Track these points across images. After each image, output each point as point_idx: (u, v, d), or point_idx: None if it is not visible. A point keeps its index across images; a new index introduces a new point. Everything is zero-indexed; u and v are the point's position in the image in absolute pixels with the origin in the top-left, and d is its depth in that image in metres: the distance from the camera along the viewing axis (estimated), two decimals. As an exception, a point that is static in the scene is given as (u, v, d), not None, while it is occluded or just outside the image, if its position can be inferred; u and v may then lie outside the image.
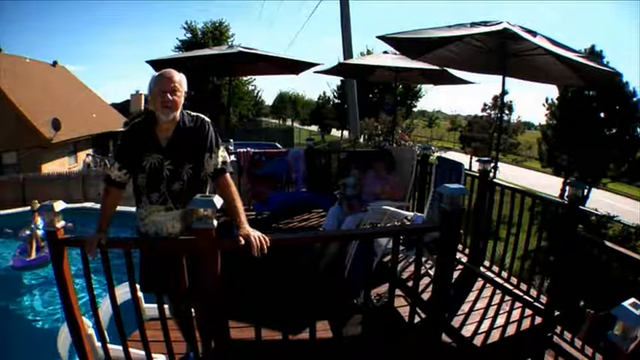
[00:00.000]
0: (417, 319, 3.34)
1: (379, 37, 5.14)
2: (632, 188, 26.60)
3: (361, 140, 22.53)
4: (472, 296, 4.17)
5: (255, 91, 39.53)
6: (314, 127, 51.06)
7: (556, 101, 23.53)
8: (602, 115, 21.83)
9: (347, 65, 9.93)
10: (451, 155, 8.89)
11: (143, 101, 35.30)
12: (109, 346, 2.93)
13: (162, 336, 2.81)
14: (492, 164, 4.90)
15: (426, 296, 3.95)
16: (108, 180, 2.85)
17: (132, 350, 2.91)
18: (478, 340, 3.47)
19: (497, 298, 4.13)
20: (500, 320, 3.75)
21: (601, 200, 21.04)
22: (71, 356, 3.54)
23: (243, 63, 8.04)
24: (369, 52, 30.93)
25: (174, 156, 2.78)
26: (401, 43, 5.54)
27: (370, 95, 34.91)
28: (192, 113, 2.90)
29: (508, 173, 20.70)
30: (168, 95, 2.69)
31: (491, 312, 3.88)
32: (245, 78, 32.87)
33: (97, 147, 27.63)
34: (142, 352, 2.87)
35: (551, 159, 23.98)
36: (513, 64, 5.25)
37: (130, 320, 2.90)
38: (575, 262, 4.06)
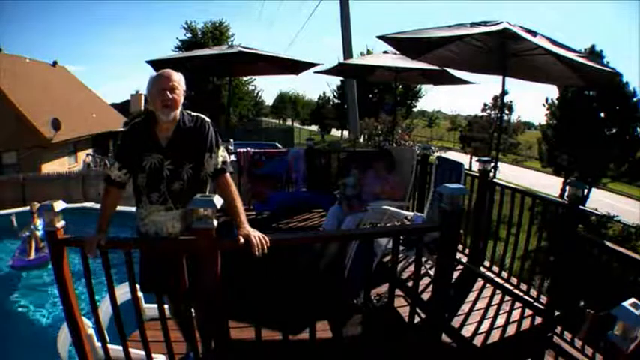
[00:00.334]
0: (417, 319, 3.34)
1: (379, 37, 5.14)
2: (632, 188, 26.61)
3: (361, 140, 22.53)
4: (472, 296, 4.17)
5: (255, 91, 39.57)
6: (314, 127, 51.05)
7: (556, 101, 23.54)
8: (602, 115, 21.84)
9: (347, 65, 9.93)
10: (451, 155, 8.89)
11: (143, 101, 35.29)
12: (109, 346, 2.93)
13: (162, 336, 2.81)
14: (492, 164, 4.90)
15: (426, 296, 3.95)
16: (108, 180, 2.85)
17: (132, 350, 2.91)
18: (478, 340, 3.47)
19: (497, 298, 4.13)
20: (500, 320, 3.75)
21: (601, 200, 21.05)
22: (71, 356, 3.54)
23: (243, 63, 8.04)
24: (369, 52, 30.95)
25: (174, 156, 2.77)
26: (401, 43, 5.54)
27: (370, 95, 34.93)
28: (193, 113, 2.90)
29: (508, 173, 20.70)
30: (168, 93, 2.69)
31: (491, 312, 3.88)
32: (245, 78, 32.87)
33: (97, 147, 27.65)
34: (142, 352, 2.87)
35: (551, 159, 23.98)
36: (513, 64, 5.25)
37: (129, 320, 2.90)
38: (575, 262, 4.06)
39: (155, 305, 2.87)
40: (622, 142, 20.97)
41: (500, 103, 21.41)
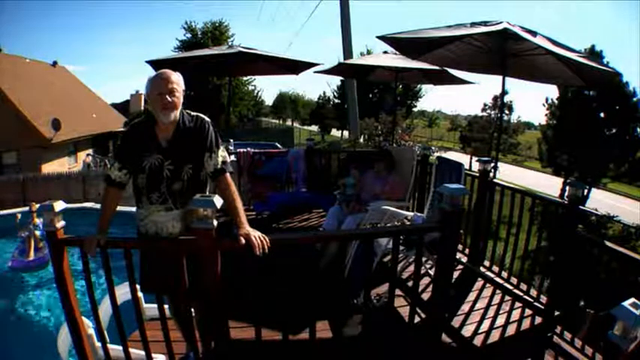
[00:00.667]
0: (417, 319, 3.34)
1: (379, 37, 5.14)
2: (632, 188, 26.63)
3: (361, 140, 22.55)
4: (472, 296, 4.17)
5: (255, 91, 39.60)
6: (314, 127, 51.05)
7: (556, 101, 23.53)
8: (602, 115, 21.82)
9: (347, 65, 9.93)
10: (451, 155, 8.88)
11: (143, 101, 35.29)
12: (109, 346, 2.93)
13: (162, 336, 2.81)
14: (492, 164, 4.90)
15: (426, 296, 3.95)
16: (108, 180, 2.84)
17: (132, 350, 2.91)
18: (478, 340, 3.47)
19: (497, 298, 4.14)
20: (500, 320, 3.75)
21: (601, 200, 21.04)
22: (71, 356, 3.55)
23: (243, 63, 8.04)
24: (369, 52, 30.98)
25: (174, 156, 2.77)
26: (401, 43, 5.54)
27: (370, 95, 34.97)
28: (192, 113, 2.89)
29: (508, 173, 20.71)
30: (167, 97, 2.68)
31: (491, 312, 3.88)
32: (245, 78, 32.92)
33: (97, 147, 27.66)
34: (142, 352, 2.87)
35: (551, 159, 23.98)
36: (513, 64, 5.25)
37: (130, 320, 2.90)
38: (575, 262, 4.06)
39: (155, 305, 2.87)
40: (622, 142, 20.96)
41: (500, 103, 21.42)
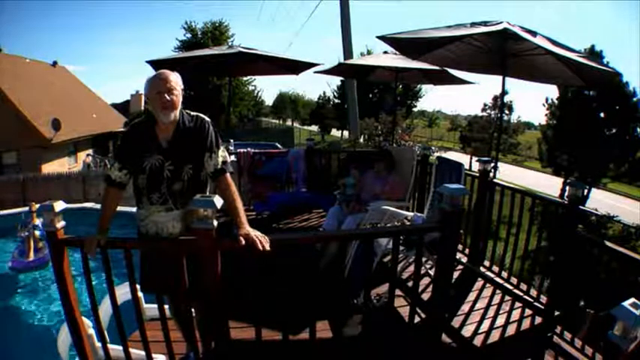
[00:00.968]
0: (417, 319, 3.34)
1: (379, 38, 5.14)
2: (632, 188, 26.63)
3: (361, 140, 22.55)
4: (472, 296, 4.17)
5: (255, 92, 39.60)
6: (314, 127, 51.05)
7: (556, 101, 23.53)
8: (602, 115, 21.83)
9: (347, 65, 9.93)
10: (451, 155, 8.87)
11: (143, 101, 35.29)
12: (109, 346, 2.93)
13: (162, 336, 2.81)
14: (492, 164, 4.90)
15: (426, 296, 3.95)
16: (108, 180, 2.85)
17: (132, 350, 2.91)
18: (478, 340, 3.47)
19: (497, 298, 4.14)
20: (501, 320, 3.76)
21: (601, 200, 21.04)
22: (71, 356, 3.55)
23: (243, 63, 8.04)
24: (369, 52, 30.98)
25: (174, 156, 2.77)
26: (401, 44, 5.54)
27: (370, 95, 34.97)
28: (192, 113, 2.89)
29: (508, 173, 20.71)
30: (166, 96, 2.68)
31: (491, 312, 3.88)
32: (245, 78, 32.92)
33: (97, 147, 27.66)
34: (143, 352, 2.87)
35: (551, 159, 23.97)
36: (513, 64, 5.25)
37: (130, 320, 2.90)
38: (575, 262, 4.06)
39: (155, 305, 2.87)
40: (622, 142, 20.96)
41: (500, 103, 21.42)
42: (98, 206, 3.87)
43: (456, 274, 4.55)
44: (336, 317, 3.81)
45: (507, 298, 4.15)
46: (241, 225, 2.61)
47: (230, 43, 20.21)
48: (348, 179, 5.49)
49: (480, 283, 4.45)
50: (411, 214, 4.86)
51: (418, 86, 33.96)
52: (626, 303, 1.87)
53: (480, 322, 3.70)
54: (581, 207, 3.80)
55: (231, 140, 7.38)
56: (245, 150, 6.90)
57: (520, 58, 5.18)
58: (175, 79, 2.77)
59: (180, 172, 2.78)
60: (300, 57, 8.10)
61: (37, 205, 9.61)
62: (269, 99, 68.63)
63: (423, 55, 5.82)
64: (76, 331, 2.75)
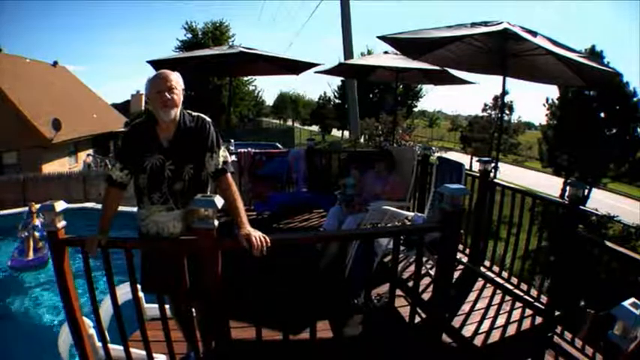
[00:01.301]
0: (417, 319, 3.35)
1: (379, 38, 5.15)
2: (632, 188, 26.63)
3: (362, 140, 22.54)
4: (472, 296, 4.17)
5: (256, 92, 39.59)
6: (315, 128, 51.05)
7: (556, 101, 23.54)
8: (602, 115, 21.84)
9: (347, 65, 9.93)
10: (452, 155, 8.87)
11: (143, 101, 35.29)
12: (110, 346, 2.94)
13: (163, 336, 2.81)
14: (493, 164, 4.91)
15: (426, 296, 3.96)
16: (109, 180, 2.85)
17: (133, 350, 2.91)
18: (478, 340, 3.47)
19: (497, 298, 4.14)
20: (501, 320, 3.76)
21: (601, 200, 21.03)
22: (72, 356, 3.55)
23: (243, 63, 8.05)
24: (369, 52, 30.96)
25: (175, 156, 2.78)
26: (401, 44, 5.54)
27: (371, 95, 34.97)
28: (193, 113, 2.90)
29: (509, 173, 20.71)
30: (167, 94, 2.69)
31: (491, 312, 3.88)
32: (246, 78, 32.90)
33: (98, 147, 27.66)
34: (143, 352, 2.88)
35: (551, 159, 23.98)
36: (514, 65, 5.25)
37: (131, 320, 2.91)
38: (576, 262, 4.06)
39: (156, 305, 2.87)
40: (622, 142, 20.97)
41: (501, 104, 21.44)
42: (99, 206, 3.88)
43: (456, 274, 4.55)
44: (336, 317, 3.81)
45: (508, 298, 4.15)
46: (242, 225, 2.61)
47: (231, 43, 20.21)
48: (348, 179, 5.49)
49: (480, 283, 4.46)
50: (412, 214, 4.86)
51: (419, 86, 33.96)
52: (626, 303, 1.87)
53: (481, 322, 3.70)
54: (581, 207, 3.80)
55: (232, 140, 7.38)
56: (246, 150, 6.91)
57: (520, 58, 5.18)
58: (176, 79, 2.78)
59: (181, 171, 2.79)
60: (300, 57, 8.10)
61: (37, 206, 9.65)
62: (269, 99, 68.72)
63: (424, 55, 5.82)
64: (77, 330, 2.75)
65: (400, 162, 5.54)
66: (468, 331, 3.57)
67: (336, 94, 40.51)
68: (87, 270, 2.68)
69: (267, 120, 60.55)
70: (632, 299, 1.90)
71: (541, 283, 5.32)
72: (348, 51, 23.96)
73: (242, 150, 6.89)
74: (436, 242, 3.38)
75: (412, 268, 4.21)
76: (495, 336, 3.55)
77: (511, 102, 30.93)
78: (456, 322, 3.70)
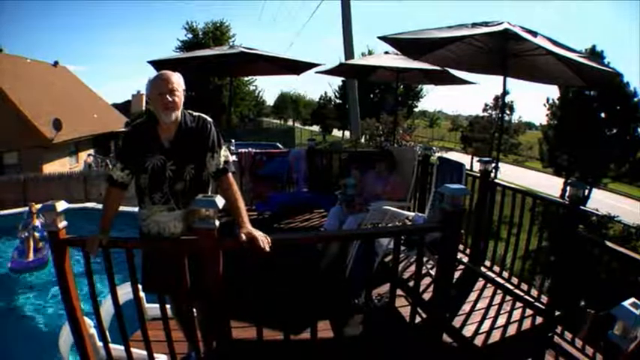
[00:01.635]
0: (418, 319, 3.35)
1: (380, 38, 5.15)
2: (632, 188, 26.62)
3: (362, 140, 22.55)
4: (473, 296, 4.17)
5: (257, 92, 39.60)
6: (315, 128, 51.04)
7: (557, 101, 23.55)
8: (602, 115, 21.86)
9: (348, 65, 9.93)
10: (452, 155, 8.88)
11: (144, 102, 35.30)
12: (111, 345, 2.94)
13: (164, 336, 2.82)
14: (493, 164, 4.91)
15: (427, 296, 3.96)
16: (110, 181, 2.85)
17: (134, 350, 2.92)
18: (479, 340, 3.47)
19: (498, 298, 4.14)
20: (501, 320, 3.76)
21: (602, 200, 21.02)
22: (72, 356, 3.56)
23: (244, 63, 8.05)
24: (370, 53, 30.96)
25: (176, 156, 2.78)
26: (402, 44, 5.54)
27: (371, 95, 34.96)
28: (194, 113, 2.90)
29: (509, 173, 20.71)
30: (168, 97, 2.70)
31: (492, 312, 3.88)
32: (246, 78, 32.91)
33: (98, 147, 27.67)
34: (144, 352, 2.88)
35: (552, 159, 23.99)
36: (514, 65, 5.25)
37: (131, 320, 2.91)
38: (576, 262, 4.06)
39: (157, 305, 2.88)
40: (623, 143, 20.98)
41: (501, 104, 21.44)
42: (99, 206, 3.87)
43: (457, 274, 4.55)
44: (337, 317, 3.81)
45: (508, 298, 4.15)
46: (243, 225, 2.62)
47: (231, 43, 20.21)
48: (349, 179, 5.49)
49: (480, 283, 4.46)
50: (412, 214, 4.86)
51: (419, 86, 33.97)
52: (626, 303, 1.87)
53: (481, 322, 3.70)
54: (581, 207, 3.80)
55: (233, 140, 7.38)
56: (246, 150, 6.91)
57: (521, 58, 5.18)
58: (177, 80, 2.78)
59: (182, 172, 2.79)
60: (301, 57, 8.10)
61: (38, 206, 9.65)
62: (270, 99, 68.60)
63: (424, 56, 5.82)
64: (78, 330, 2.76)
65: (401, 162, 5.54)
66: (468, 331, 3.58)
67: (336, 94, 40.52)
68: (88, 270, 2.68)
69: (267, 120, 60.54)
70: (632, 299, 1.90)
71: (541, 283, 5.32)
72: (348, 51, 23.95)
73: (243, 150, 6.90)
74: (437, 242, 3.38)
75: (413, 268, 4.21)
76: (496, 336, 3.55)
77: (512, 102, 30.87)
78: (457, 322, 3.70)
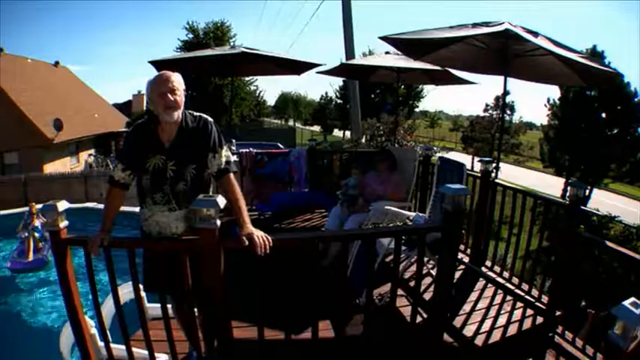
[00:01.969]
0: (418, 319, 3.35)
1: (381, 38, 5.14)
2: (633, 189, 26.61)
3: (363, 141, 22.54)
4: (474, 296, 4.17)
5: (257, 92, 39.58)
6: (316, 128, 51.03)
7: (558, 101, 23.55)
8: (603, 115, 21.87)
9: (349, 65, 9.92)
10: (453, 155, 8.90)
11: (145, 102, 35.30)
12: (112, 345, 2.94)
13: (165, 335, 2.82)
14: (494, 165, 4.91)
15: (427, 296, 3.96)
16: (111, 181, 2.86)
17: (135, 350, 2.92)
18: (480, 340, 3.47)
19: (498, 298, 4.13)
20: (502, 320, 3.75)
21: (602, 201, 21.01)
22: (73, 356, 3.56)
23: (245, 63, 8.05)
24: (370, 53, 30.92)
25: (177, 157, 2.79)
26: (403, 44, 5.53)
27: (372, 95, 34.93)
28: (195, 113, 2.90)
29: (510, 174, 20.70)
30: (169, 96, 2.70)
31: (492, 312, 3.88)
32: (247, 78, 32.89)
33: (99, 147, 27.72)
34: (145, 352, 2.88)
35: (552, 159, 23.99)
36: (515, 65, 5.25)
37: (133, 320, 2.91)
38: (577, 262, 4.06)
39: (158, 305, 2.88)
40: (623, 143, 21.00)
41: (502, 104, 21.43)
42: (100, 206, 3.88)
43: (457, 274, 4.55)
44: (338, 317, 3.82)
45: (509, 298, 4.14)
46: (244, 224, 2.62)
47: (232, 43, 20.22)
48: (350, 179, 5.50)
49: (481, 283, 4.45)
50: (413, 214, 4.87)
51: (420, 86, 33.94)
52: (627, 302, 1.87)
53: (482, 322, 3.70)
54: (582, 207, 3.80)
55: (233, 140, 7.39)
56: (247, 150, 6.92)
57: (522, 58, 5.19)
58: (177, 80, 2.78)
59: (184, 172, 2.80)
60: (302, 57, 8.10)
61: (38, 206, 9.69)
62: (271, 99, 68.49)
63: (425, 56, 5.82)
64: (79, 330, 2.76)
65: (401, 162, 5.54)
66: (469, 331, 3.57)
67: (337, 94, 40.45)
68: (89, 270, 2.68)
69: (268, 120, 60.49)
70: (633, 299, 1.90)
71: (542, 283, 5.32)
72: (349, 51, 23.95)
73: (244, 150, 6.90)
74: (438, 242, 3.38)
75: (414, 268, 4.22)
76: (496, 336, 3.54)
77: (512, 102, 30.91)
78: (458, 321, 3.69)
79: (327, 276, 3.87)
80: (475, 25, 4.69)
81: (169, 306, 3.02)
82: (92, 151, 26.97)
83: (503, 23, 4.58)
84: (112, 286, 2.74)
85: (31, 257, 8.99)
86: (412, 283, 3.91)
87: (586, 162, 21.21)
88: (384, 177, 5.34)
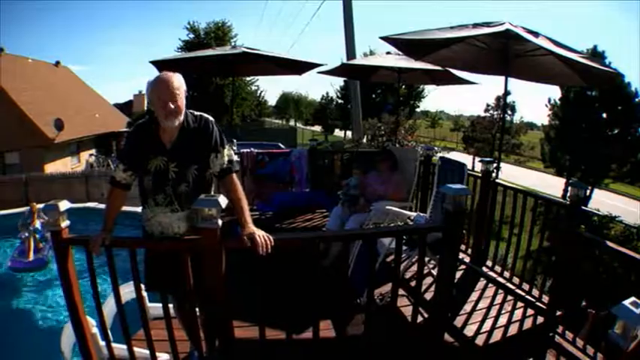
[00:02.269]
0: (419, 319, 3.36)
1: (382, 38, 5.15)
2: (634, 189, 26.59)
3: (364, 140, 22.54)
4: (474, 296, 4.17)
5: (258, 92, 39.57)
6: (317, 128, 51.02)
7: (558, 102, 23.54)
8: (604, 115, 21.86)
9: (350, 66, 9.93)
10: (454, 155, 8.90)
11: (146, 102, 35.31)
12: (113, 345, 2.95)
13: (166, 335, 2.82)
14: (495, 165, 4.91)
15: (428, 296, 3.96)
16: (113, 181, 2.86)
17: (136, 349, 2.92)
18: (480, 340, 3.47)
19: (499, 298, 4.13)
20: (503, 320, 3.75)
21: (603, 202, 20.99)
22: (74, 355, 3.56)
23: (246, 63, 8.05)
24: (371, 53, 30.91)
25: (179, 158, 2.78)
26: (404, 44, 5.54)
27: (373, 95, 34.92)
28: (196, 113, 2.88)
29: (510, 174, 20.68)
30: (170, 105, 2.64)
31: (493, 312, 3.88)
32: (248, 78, 32.85)
33: (100, 147, 27.74)
34: (147, 351, 2.88)
35: (553, 159, 23.99)
36: (515, 65, 5.25)
37: (134, 319, 2.92)
38: (577, 262, 4.06)
39: (159, 304, 2.89)
40: (624, 143, 21.00)
41: (503, 104, 21.42)
42: (101, 205, 3.89)
43: (458, 274, 4.55)
44: (339, 317, 3.82)
45: (509, 297, 4.14)
46: (246, 224, 2.62)
47: (233, 44, 20.22)
48: (351, 179, 5.50)
49: (482, 283, 4.45)
50: (414, 214, 4.87)
51: (421, 86, 33.93)
52: (627, 302, 1.88)
53: (482, 322, 3.70)
54: (583, 207, 3.81)
55: (234, 140, 7.39)
56: (248, 150, 6.92)
57: (522, 58, 5.19)
58: (178, 82, 2.71)
59: (186, 173, 2.79)
60: (303, 57, 8.10)
61: (38, 206, 9.69)
62: (272, 99, 68.47)
63: (426, 56, 5.82)
64: (80, 330, 2.76)
65: (403, 162, 5.54)
66: (469, 331, 3.58)
67: (338, 94, 40.44)
68: (90, 269, 2.69)
69: (269, 120, 60.45)
70: (633, 298, 1.90)
71: (542, 283, 5.33)
72: (350, 51, 23.94)
73: (245, 150, 6.91)
74: (438, 242, 3.39)
75: (414, 267, 4.22)
76: (497, 336, 3.55)
77: (513, 102, 30.89)
78: (458, 321, 3.70)
79: (328, 276, 3.87)
80: (476, 26, 4.69)
81: (171, 305, 3.03)
82: (93, 151, 27.00)
83: (504, 23, 4.58)
84: (113, 285, 2.75)
85: (31, 257, 8.99)
86: (413, 283, 3.91)
87: (587, 162, 21.21)
88: (385, 177, 5.34)
